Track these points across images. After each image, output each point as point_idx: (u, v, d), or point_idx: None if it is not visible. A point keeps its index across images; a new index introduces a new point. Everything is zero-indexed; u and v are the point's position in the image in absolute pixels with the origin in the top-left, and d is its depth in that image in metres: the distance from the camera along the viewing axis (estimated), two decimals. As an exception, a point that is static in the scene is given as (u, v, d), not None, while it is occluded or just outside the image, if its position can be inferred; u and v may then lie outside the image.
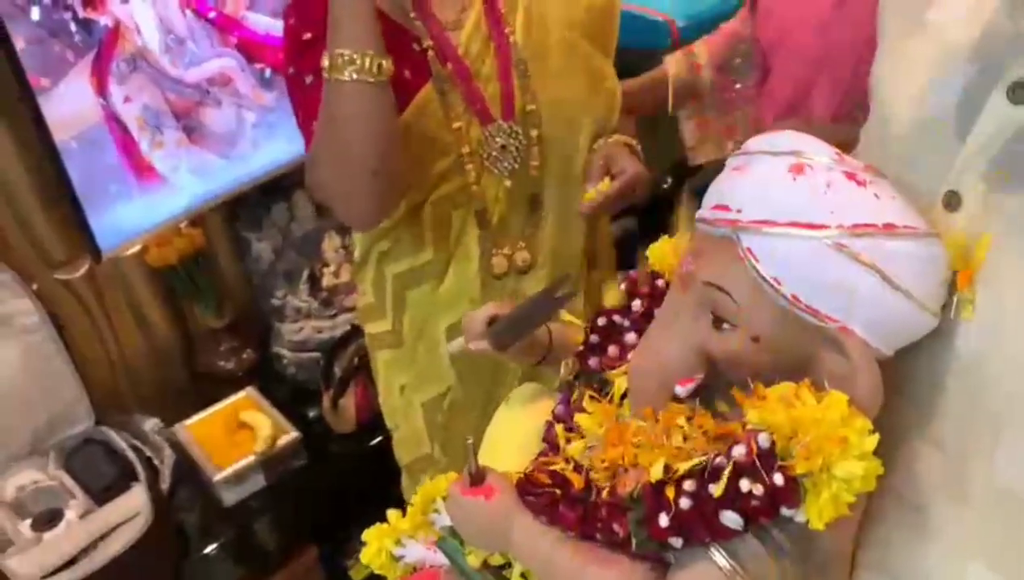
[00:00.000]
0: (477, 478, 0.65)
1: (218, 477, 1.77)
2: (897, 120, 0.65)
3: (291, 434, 1.83)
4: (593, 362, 0.78)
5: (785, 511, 0.56)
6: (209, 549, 1.77)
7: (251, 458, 1.79)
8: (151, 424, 1.88)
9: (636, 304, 0.79)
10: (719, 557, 0.58)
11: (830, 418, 0.54)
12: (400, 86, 1.12)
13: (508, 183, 1.20)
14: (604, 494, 0.62)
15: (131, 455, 1.76)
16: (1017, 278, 0.56)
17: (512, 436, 0.81)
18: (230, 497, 1.79)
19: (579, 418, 0.67)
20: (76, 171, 1.65)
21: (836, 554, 0.62)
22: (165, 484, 1.75)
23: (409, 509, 0.75)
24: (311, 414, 1.94)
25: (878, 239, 0.56)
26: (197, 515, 1.81)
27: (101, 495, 1.69)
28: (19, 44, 1.52)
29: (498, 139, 1.18)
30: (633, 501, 0.60)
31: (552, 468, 0.66)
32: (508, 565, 0.69)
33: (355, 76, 1.02)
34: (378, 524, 0.74)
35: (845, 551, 0.64)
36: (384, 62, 1.04)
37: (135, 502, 1.67)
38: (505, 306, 0.90)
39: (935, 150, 0.61)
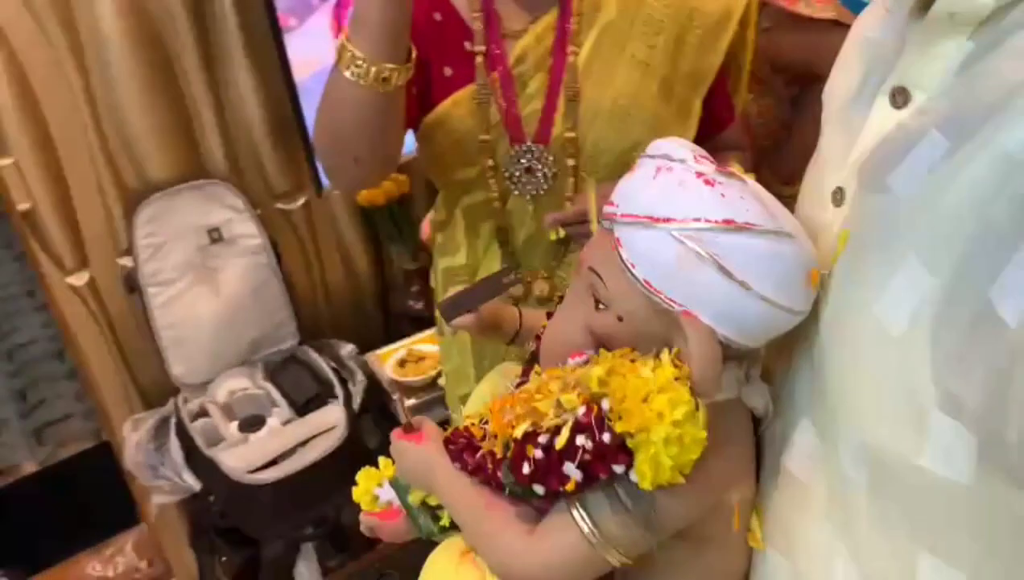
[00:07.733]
0: (408, 427, 0.79)
1: (406, 404, 1.87)
2: (827, 117, 0.70)
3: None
4: None
5: (617, 468, 0.63)
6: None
7: (436, 392, 1.90)
8: (347, 349, 2.03)
9: None
10: (576, 511, 0.67)
11: (649, 387, 0.62)
12: (438, 82, 1.10)
13: (531, 208, 1.14)
14: (494, 446, 0.72)
15: (330, 374, 1.91)
16: (855, 278, 0.59)
17: (487, 400, 0.92)
18: (413, 425, 1.90)
19: (522, 388, 0.77)
20: (310, 109, 1.78)
21: (680, 520, 0.67)
22: (356, 404, 1.88)
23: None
24: (492, 359, 2.03)
25: (716, 233, 0.61)
26: (380, 439, 1.94)
27: (302, 407, 1.85)
28: (274, -16, 1.67)
29: (523, 161, 1.11)
30: (506, 451, 0.70)
31: (466, 424, 0.77)
32: (443, 507, 0.81)
33: (357, 80, 0.97)
34: (368, 467, 0.87)
35: (697, 523, 0.69)
36: (395, 74, 0.97)
37: (332, 416, 1.81)
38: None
39: (841, 146, 0.64)
